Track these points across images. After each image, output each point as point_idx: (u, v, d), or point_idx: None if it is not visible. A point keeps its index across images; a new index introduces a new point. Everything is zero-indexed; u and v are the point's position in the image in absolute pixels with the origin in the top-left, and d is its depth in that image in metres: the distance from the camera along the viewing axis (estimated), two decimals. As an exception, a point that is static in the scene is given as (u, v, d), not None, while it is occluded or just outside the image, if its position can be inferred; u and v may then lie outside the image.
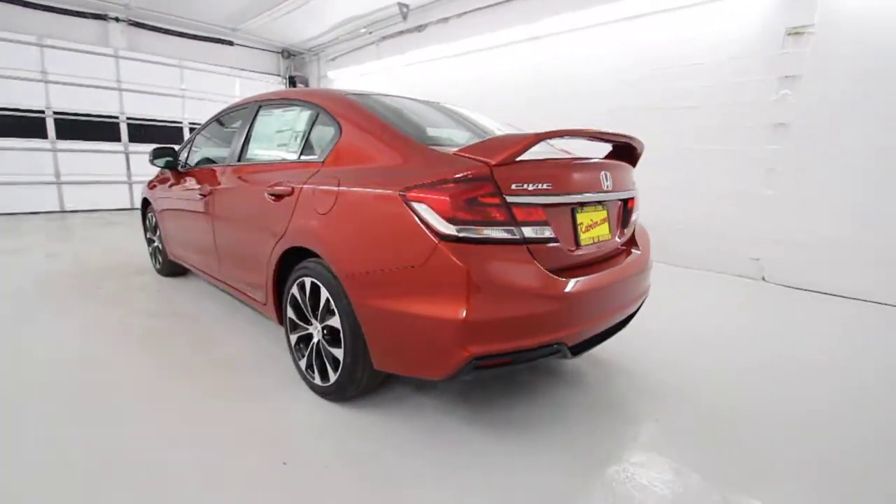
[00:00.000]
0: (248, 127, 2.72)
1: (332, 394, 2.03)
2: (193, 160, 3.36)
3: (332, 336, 1.99)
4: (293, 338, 2.23)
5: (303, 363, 2.17)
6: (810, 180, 4.08)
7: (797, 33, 4.05)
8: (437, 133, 2.16)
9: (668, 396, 2.18)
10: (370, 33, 8.18)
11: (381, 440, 1.81)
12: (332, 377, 1.99)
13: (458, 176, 1.59)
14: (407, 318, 1.64)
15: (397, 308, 1.66)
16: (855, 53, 3.77)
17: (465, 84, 7.02)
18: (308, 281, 2.04)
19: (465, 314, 1.52)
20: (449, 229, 1.55)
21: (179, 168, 3.39)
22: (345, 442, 1.81)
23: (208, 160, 3.16)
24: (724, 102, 4.51)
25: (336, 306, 1.89)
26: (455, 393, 2.17)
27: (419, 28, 7.41)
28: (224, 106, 3.76)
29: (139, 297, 3.43)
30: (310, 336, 2.13)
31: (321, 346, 2.04)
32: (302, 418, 1.97)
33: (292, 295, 2.16)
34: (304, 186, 2.05)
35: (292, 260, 2.18)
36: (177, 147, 3.52)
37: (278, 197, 2.19)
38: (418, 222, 1.60)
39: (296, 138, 2.35)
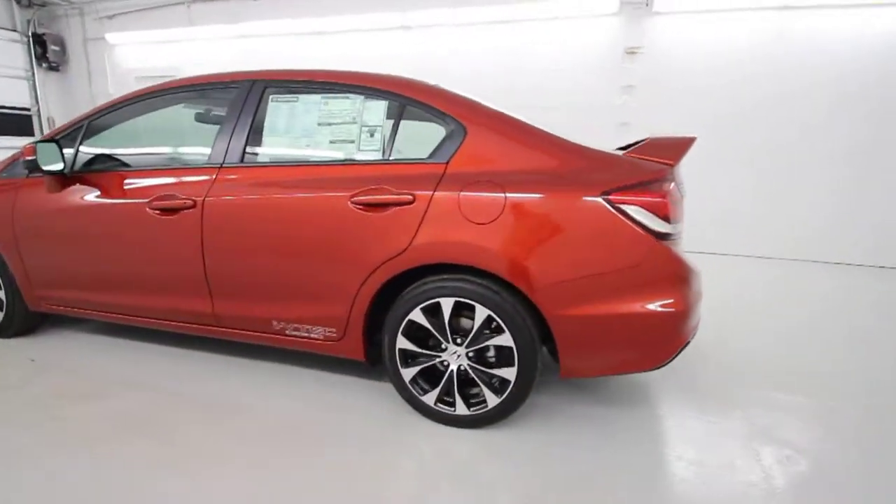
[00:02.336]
0: (251, 116, 2.05)
1: (485, 420, 1.86)
2: (99, 161, 2.31)
3: (482, 358, 1.82)
4: (408, 372, 1.90)
5: (430, 397, 1.88)
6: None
7: (632, 52, 5.25)
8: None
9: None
10: (175, -9, 6.57)
11: (569, 459, 1.78)
12: (493, 401, 1.81)
13: (657, 178, 1.68)
14: (622, 318, 1.66)
15: (611, 311, 1.66)
16: (673, 69, 5.14)
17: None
18: (448, 301, 1.77)
19: (684, 304, 1.66)
20: (666, 228, 1.64)
21: (66, 172, 2.24)
22: (545, 467, 1.71)
23: (154, 159, 2.27)
24: (581, 104, 5.50)
25: (508, 323, 1.73)
26: (564, 387, 2.23)
27: (253, -7, 6.37)
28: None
29: (36, 381, 2.22)
30: (435, 366, 1.87)
31: (469, 371, 1.82)
32: (469, 457, 1.75)
33: (410, 322, 1.84)
34: (436, 193, 1.75)
35: (397, 282, 1.84)
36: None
37: (382, 207, 1.79)
38: (631, 224, 1.63)
39: (371, 135, 1.92)
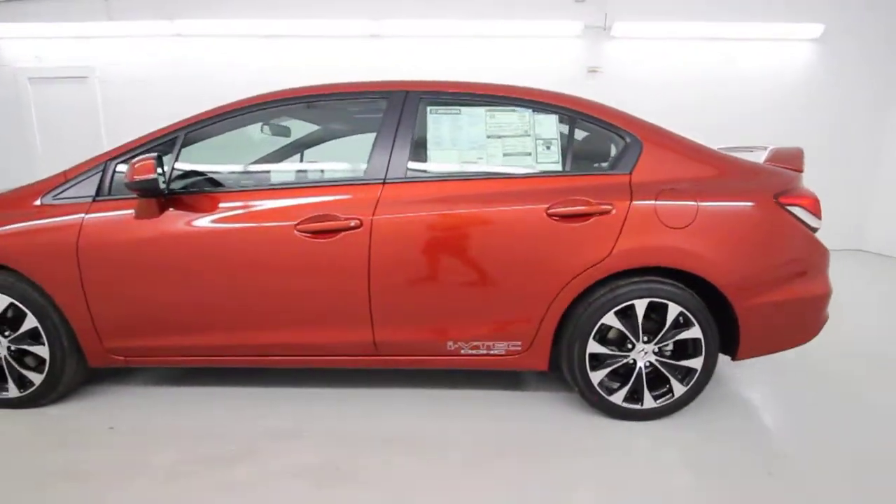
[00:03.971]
0: (410, 128, 1.93)
1: (670, 410, 2.00)
2: (196, 179, 1.95)
3: (665, 352, 1.97)
4: (597, 375, 1.96)
5: (618, 396, 1.97)
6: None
7: (593, 71, 5.83)
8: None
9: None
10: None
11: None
12: (679, 391, 1.97)
13: (802, 184, 2.00)
14: (791, 302, 1.94)
15: (783, 297, 1.92)
16: (627, 88, 5.80)
17: (273, 70, 5.97)
18: (642, 302, 1.89)
19: (829, 286, 2.01)
20: (817, 224, 1.96)
21: (166, 192, 1.85)
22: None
23: (280, 176, 2.03)
24: (550, 116, 5.93)
25: (698, 318, 1.90)
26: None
27: (191, -9, 5.67)
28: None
29: (157, 453, 1.78)
30: (624, 366, 1.97)
31: (658, 365, 1.95)
32: (686, 443, 1.89)
33: (603, 326, 1.91)
34: (633, 203, 1.85)
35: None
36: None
37: (581, 217, 1.84)
38: (797, 222, 1.91)
39: (548, 147, 1.95)
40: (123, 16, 5.82)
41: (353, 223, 1.84)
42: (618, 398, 1.98)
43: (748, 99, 5.73)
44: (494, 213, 1.88)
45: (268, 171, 2.25)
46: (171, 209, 1.89)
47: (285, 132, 2.37)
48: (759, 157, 2.16)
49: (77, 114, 6.17)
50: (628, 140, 1.97)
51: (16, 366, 2.02)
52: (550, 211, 1.85)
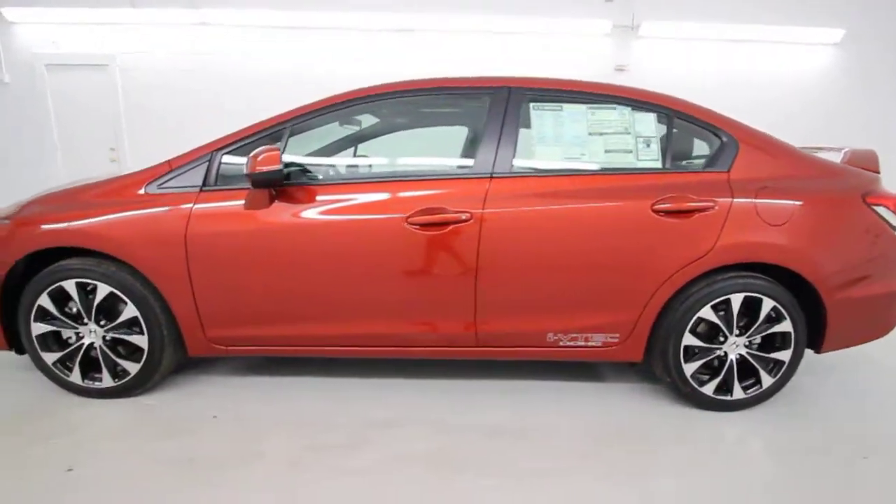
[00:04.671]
0: (515, 124, 1.96)
1: (757, 401, 2.08)
2: (302, 171, 1.96)
3: (762, 345, 2.04)
4: (690, 367, 2.02)
5: (709, 388, 2.04)
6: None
7: (620, 69, 5.90)
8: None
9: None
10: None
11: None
12: (767, 382, 2.04)
13: (881, 185, 2.08)
14: (874, 298, 2.02)
15: (868, 292, 2.00)
16: (651, 86, 5.89)
17: (302, 64, 5.92)
18: (738, 297, 1.95)
19: None
20: None
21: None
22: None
23: (386, 169, 2.06)
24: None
25: (789, 312, 1.97)
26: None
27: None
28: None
29: (271, 443, 1.80)
30: (716, 358, 2.04)
31: (749, 358, 2.02)
32: (785, 430, 1.97)
33: (698, 319, 1.98)
34: (734, 200, 1.91)
35: None
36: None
37: (685, 213, 1.90)
38: (882, 221, 1.99)
39: (648, 145, 1.99)
40: (147, 2, 5.71)
41: (464, 216, 1.87)
42: (708, 389, 2.05)
43: (769, 101, 5.85)
44: (600, 208, 1.92)
45: (372, 164, 2.26)
46: (280, 200, 1.90)
47: (356, 123, 2.38)
48: (833, 158, 2.24)
49: (96, 102, 6.04)
50: (724, 139, 2.03)
51: (111, 355, 2.01)
52: (656, 207, 1.90)
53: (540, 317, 1.99)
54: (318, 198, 1.91)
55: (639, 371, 2.40)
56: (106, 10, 5.68)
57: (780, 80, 5.85)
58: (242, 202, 1.90)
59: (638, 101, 2.05)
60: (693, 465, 1.75)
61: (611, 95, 2.05)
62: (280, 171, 1.74)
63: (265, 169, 1.72)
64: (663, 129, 2.04)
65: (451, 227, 1.88)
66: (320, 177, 2.00)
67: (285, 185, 1.88)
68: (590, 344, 2.03)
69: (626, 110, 2.04)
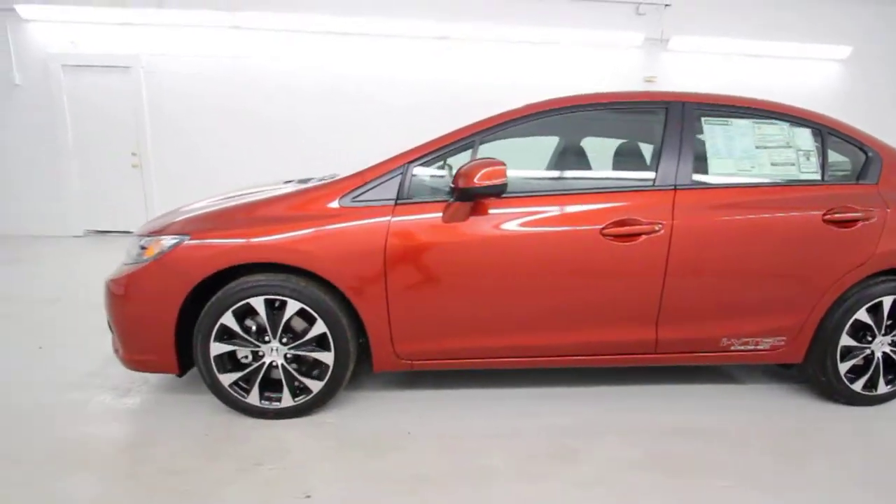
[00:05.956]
0: (691, 138, 2.06)
1: (890, 396, 2.24)
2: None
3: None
4: (845, 366, 2.17)
5: (858, 384, 2.19)
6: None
7: (650, 80, 6.15)
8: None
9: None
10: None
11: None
12: (906, 378, 2.22)
13: None
14: None
15: None
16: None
17: (338, 70, 5.83)
18: (888, 299, 2.11)
19: None
20: None
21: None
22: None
23: (567, 182, 2.13)
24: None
25: None
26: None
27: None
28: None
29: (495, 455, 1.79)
30: (863, 357, 2.20)
31: (892, 355, 2.18)
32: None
33: (856, 321, 2.13)
34: (889, 210, 2.07)
35: None
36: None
37: (850, 223, 2.04)
38: None
39: (808, 158, 2.13)
40: (175, 3, 5.49)
41: (656, 227, 1.94)
42: (857, 386, 2.20)
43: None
44: (775, 219, 2.03)
45: (560, 176, 2.29)
46: (477, 212, 1.90)
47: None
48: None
49: (117, 106, 5.75)
50: (870, 154, 2.20)
51: (294, 373, 1.95)
52: (827, 217, 2.04)
53: (716, 322, 2.09)
54: (514, 210, 1.93)
55: (766, 371, 2.55)
56: (130, 11, 5.42)
57: (793, 92, 6.24)
58: (438, 215, 1.89)
59: (794, 116, 2.18)
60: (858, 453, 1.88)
61: (770, 111, 2.17)
62: (505, 185, 1.76)
63: (490, 183, 1.74)
64: (818, 143, 2.19)
65: (643, 238, 1.95)
66: (514, 189, 2.02)
67: (485, 198, 1.89)
68: (759, 347, 2.14)
69: (785, 125, 2.17)
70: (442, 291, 1.93)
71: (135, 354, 1.95)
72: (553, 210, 1.95)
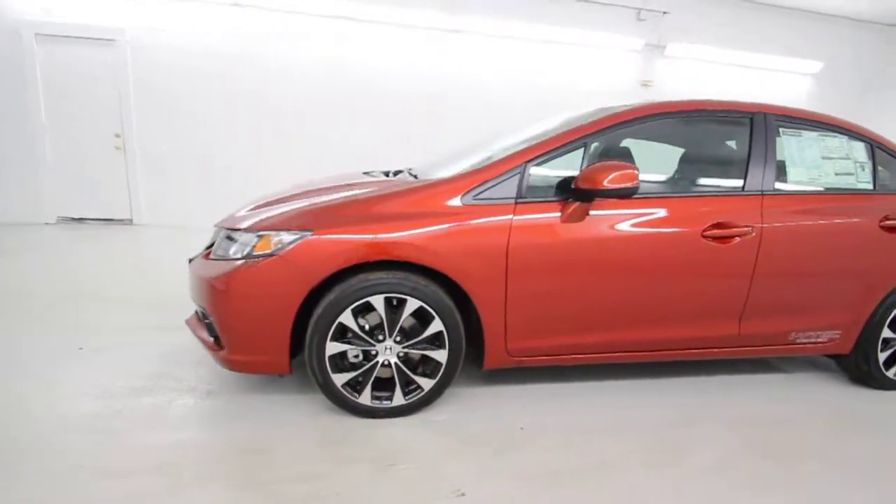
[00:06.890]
0: (773, 147, 2.22)
1: None
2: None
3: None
4: (884, 355, 2.44)
5: (892, 371, 2.47)
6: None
7: (646, 85, 6.43)
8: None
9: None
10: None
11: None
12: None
13: None
14: None
15: None
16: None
17: (337, 56, 5.65)
18: (923, 297, 2.40)
19: None
20: None
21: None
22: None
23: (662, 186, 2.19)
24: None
25: None
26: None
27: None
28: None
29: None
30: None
31: None
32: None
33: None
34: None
35: None
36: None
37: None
38: None
39: (863, 169, 2.35)
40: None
41: (746, 231, 2.09)
42: (891, 373, 2.48)
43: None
44: (844, 224, 2.25)
45: (661, 180, 2.37)
46: (592, 213, 1.96)
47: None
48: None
49: (98, 82, 5.27)
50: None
51: (408, 371, 1.93)
52: (883, 223, 2.27)
53: (789, 317, 2.28)
54: (627, 211, 2.00)
55: (804, 360, 2.80)
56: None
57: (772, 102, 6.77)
58: (556, 214, 1.93)
59: (850, 130, 2.40)
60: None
61: (832, 125, 2.37)
62: (636, 188, 1.82)
63: (623, 185, 1.80)
64: (869, 155, 2.42)
65: (737, 240, 2.09)
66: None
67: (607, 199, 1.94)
68: (818, 340, 2.35)
69: (844, 139, 2.38)
70: (557, 289, 1.98)
71: (243, 355, 1.85)
72: (660, 212, 2.05)
